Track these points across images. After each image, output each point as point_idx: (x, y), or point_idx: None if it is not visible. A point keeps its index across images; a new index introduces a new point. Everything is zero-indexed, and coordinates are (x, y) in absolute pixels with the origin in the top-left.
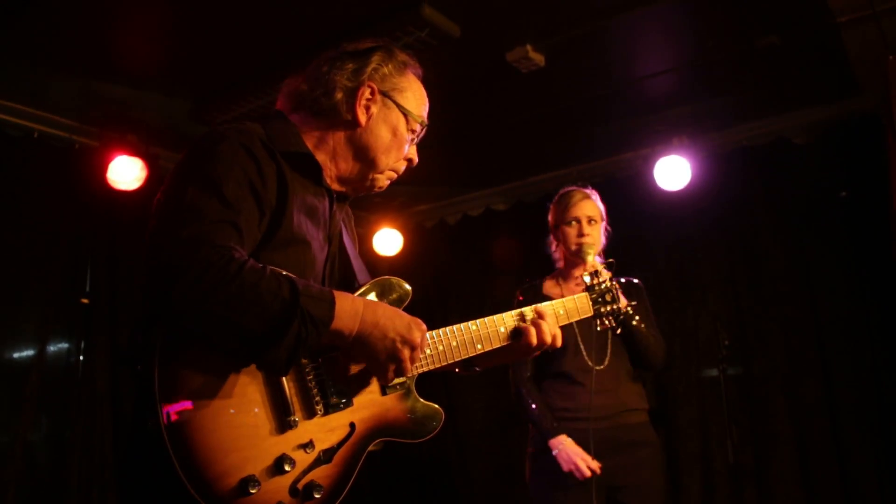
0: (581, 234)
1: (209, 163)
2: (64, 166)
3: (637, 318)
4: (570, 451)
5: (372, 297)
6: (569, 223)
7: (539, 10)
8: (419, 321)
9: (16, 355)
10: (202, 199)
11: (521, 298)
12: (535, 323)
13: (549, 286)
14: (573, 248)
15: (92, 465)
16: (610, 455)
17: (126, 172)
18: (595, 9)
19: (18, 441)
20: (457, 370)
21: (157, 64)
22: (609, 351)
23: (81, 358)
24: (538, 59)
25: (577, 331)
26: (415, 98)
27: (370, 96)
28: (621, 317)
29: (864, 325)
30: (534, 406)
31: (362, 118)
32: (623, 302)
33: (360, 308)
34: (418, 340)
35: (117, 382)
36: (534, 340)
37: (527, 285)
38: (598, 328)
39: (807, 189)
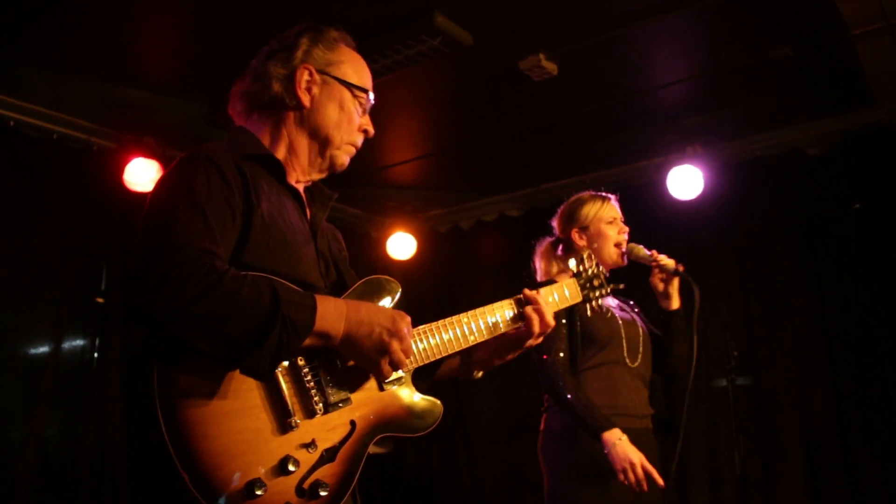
0: (621, 233)
1: (179, 181)
2: (81, 167)
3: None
4: (628, 450)
5: (360, 294)
6: (610, 222)
7: (552, 19)
8: (402, 313)
9: (31, 352)
10: (176, 211)
11: None
12: (535, 308)
13: None
14: (614, 246)
15: (104, 461)
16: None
17: (142, 174)
18: (608, 18)
19: (32, 436)
20: (459, 376)
21: (174, 68)
22: (641, 349)
23: (96, 355)
24: (551, 67)
25: (620, 325)
26: (353, 69)
27: (309, 77)
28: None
29: (874, 338)
30: (579, 398)
31: (305, 100)
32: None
33: (343, 309)
34: (404, 331)
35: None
36: (536, 327)
37: (538, 285)
38: (589, 313)
39: (820, 200)
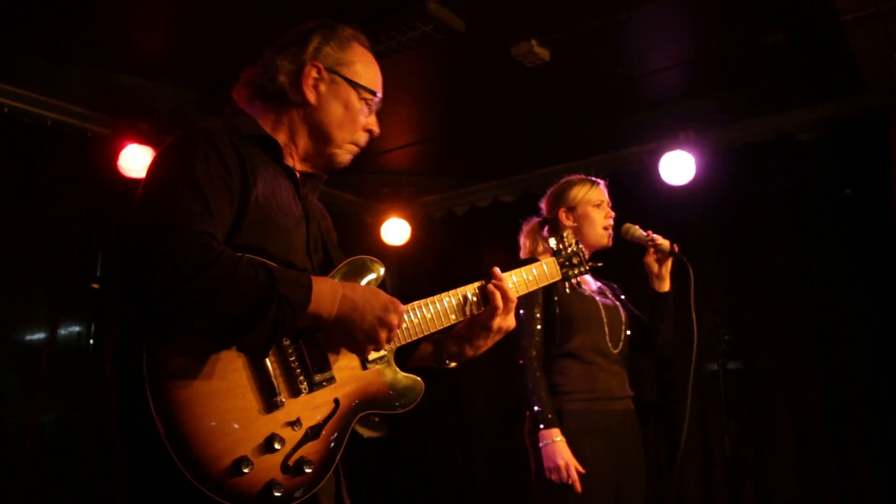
0: (607, 217)
1: (175, 161)
2: (76, 154)
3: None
4: (562, 451)
5: (345, 274)
6: (597, 205)
7: (544, 6)
8: (396, 301)
9: (28, 338)
10: (173, 191)
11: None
12: (496, 284)
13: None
14: (602, 229)
15: (101, 446)
16: (622, 439)
17: (137, 160)
18: (600, 4)
19: (29, 422)
20: (433, 366)
21: (168, 54)
22: (623, 336)
23: (91, 341)
24: (543, 53)
25: (602, 309)
26: (364, 69)
27: (317, 75)
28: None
29: (864, 323)
30: (537, 388)
31: (311, 97)
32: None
33: (338, 291)
34: (395, 322)
35: None
36: (499, 301)
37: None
38: (567, 290)
39: (811, 186)
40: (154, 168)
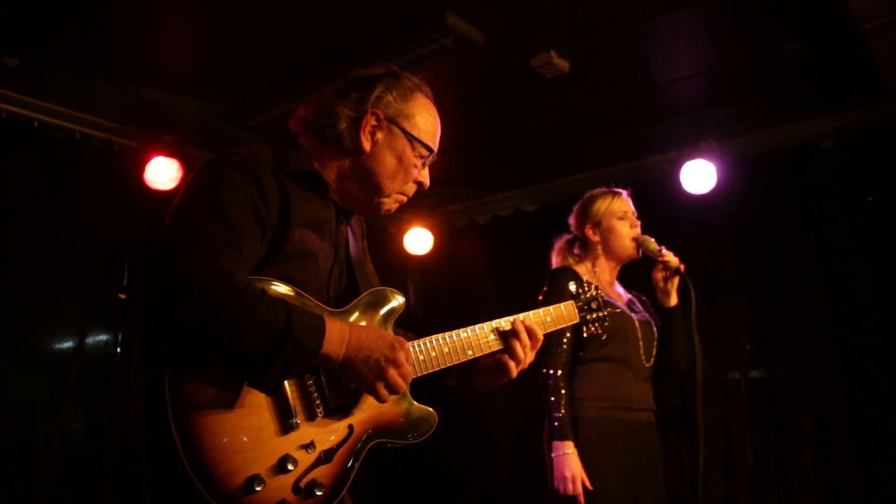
0: (633, 227)
1: (213, 187)
2: (104, 166)
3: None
4: (572, 464)
5: (366, 305)
6: (621, 217)
7: (563, 17)
8: (402, 340)
9: (57, 347)
10: (206, 222)
11: (546, 289)
12: (516, 336)
13: (585, 274)
14: (630, 240)
15: (127, 452)
16: (640, 450)
17: (163, 173)
18: (619, 15)
19: (58, 428)
20: (460, 390)
21: (194, 68)
22: (655, 350)
23: (119, 350)
24: (562, 64)
25: (637, 326)
26: (424, 122)
27: (375, 123)
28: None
29: (887, 330)
30: (559, 400)
31: (366, 145)
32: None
33: (346, 334)
34: (402, 359)
35: None
36: (519, 353)
37: (559, 273)
38: (585, 334)
39: (834, 194)
40: (191, 193)
